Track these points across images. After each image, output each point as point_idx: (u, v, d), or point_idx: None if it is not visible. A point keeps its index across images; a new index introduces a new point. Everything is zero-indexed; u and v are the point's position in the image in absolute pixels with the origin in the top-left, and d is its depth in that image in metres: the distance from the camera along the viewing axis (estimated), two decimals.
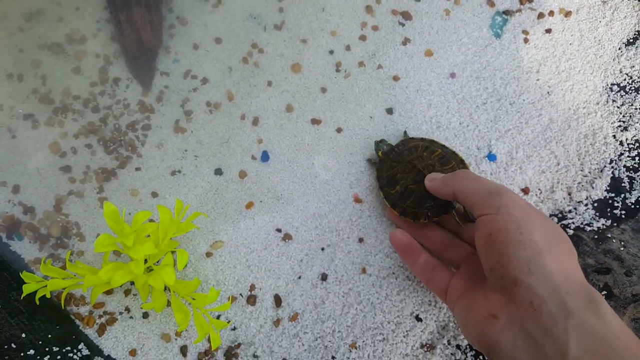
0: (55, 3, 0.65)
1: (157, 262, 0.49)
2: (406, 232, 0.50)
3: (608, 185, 0.59)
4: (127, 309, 0.53)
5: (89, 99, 0.62)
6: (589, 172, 0.60)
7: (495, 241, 0.39)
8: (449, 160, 0.54)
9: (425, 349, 0.51)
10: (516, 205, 0.41)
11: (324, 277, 0.55)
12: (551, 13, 0.69)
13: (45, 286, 0.45)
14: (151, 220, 0.53)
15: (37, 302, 0.46)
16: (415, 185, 0.52)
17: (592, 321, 0.33)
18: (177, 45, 0.65)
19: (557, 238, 0.40)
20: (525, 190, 0.60)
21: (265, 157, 0.62)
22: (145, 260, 0.46)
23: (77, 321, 0.53)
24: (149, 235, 0.45)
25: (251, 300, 0.53)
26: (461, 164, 0.55)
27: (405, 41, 0.66)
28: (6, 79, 0.62)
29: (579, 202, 0.59)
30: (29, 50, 0.63)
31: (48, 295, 0.46)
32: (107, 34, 0.64)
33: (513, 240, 0.38)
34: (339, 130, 0.63)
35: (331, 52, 0.65)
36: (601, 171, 0.60)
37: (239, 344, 0.52)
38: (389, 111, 0.64)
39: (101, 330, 0.51)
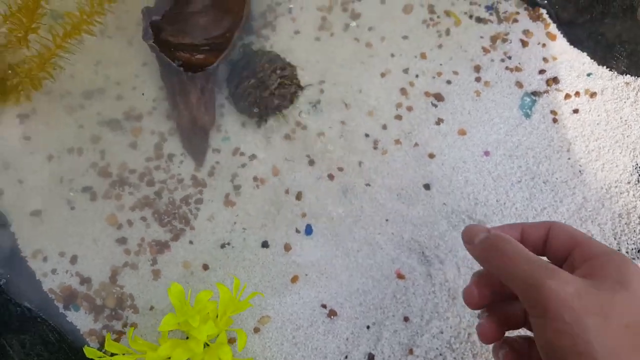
0: (114, 82, 0.69)
1: (212, 339, 0.50)
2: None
3: None
4: None
5: (145, 173, 0.65)
6: (627, 252, 0.60)
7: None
8: None
9: None
10: (566, 307, 0.30)
11: (370, 358, 0.55)
12: (577, 94, 0.72)
13: None
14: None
15: None
16: None
17: None
18: (227, 123, 0.68)
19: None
20: None
21: (309, 230, 0.63)
22: None
23: None
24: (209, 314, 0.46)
25: None
26: None
27: (439, 121, 0.69)
28: (67, 153, 0.66)
29: None
30: (89, 126, 0.67)
31: None
32: (162, 112, 0.67)
33: None
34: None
35: (367, 135, 0.68)
36: (639, 251, 0.60)
37: None
38: (426, 187, 0.66)
39: None
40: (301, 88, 0.68)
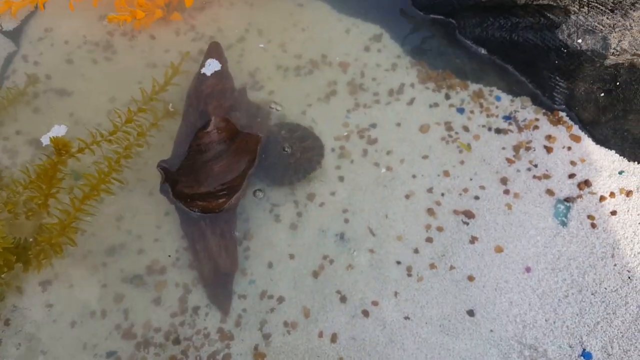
0: (135, 236, 0.75)
1: None
2: None
3: None
4: None
5: (170, 330, 0.69)
6: None
7: None
8: None
9: None
10: None
11: None
12: (612, 194, 0.77)
13: None
14: None
15: None
16: None
17: None
18: (252, 266, 0.73)
19: None
20: None
21: None
22: None
23: None
24: None
25: None
26: None
27: (473, 239, 0.74)
28: (90, 316, 0.71)
29: None
30: (112, 285, 0.74)
31: None
32: (186, 262, 0.74)
33: None
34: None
35: (399, 262, 0.72)
36: None
37: None
38: (470, 313, 0.69)
39: None
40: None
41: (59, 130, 0.75)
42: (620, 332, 0.69)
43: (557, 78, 0.85)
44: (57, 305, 0.75)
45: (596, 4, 0.78)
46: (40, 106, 0.85)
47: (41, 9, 0.84)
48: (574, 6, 0.80)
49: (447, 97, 0.88)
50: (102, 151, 0.73)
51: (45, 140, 0.77)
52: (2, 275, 0.72)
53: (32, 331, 0.73)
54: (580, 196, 0.80)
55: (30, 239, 0.73)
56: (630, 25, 0.77)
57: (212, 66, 0.80)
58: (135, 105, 0.75)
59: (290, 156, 0.81)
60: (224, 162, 0.76)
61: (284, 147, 0.81)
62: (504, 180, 0.81)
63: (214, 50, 0.83)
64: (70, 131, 0.79)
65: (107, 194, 0.73)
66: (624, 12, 0.77)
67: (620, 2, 0.77)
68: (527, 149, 0.84)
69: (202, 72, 0.79)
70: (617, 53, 0.79)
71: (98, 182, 0.72)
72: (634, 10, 0.76)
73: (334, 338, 0.72)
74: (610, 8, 0.78)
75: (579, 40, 0.81)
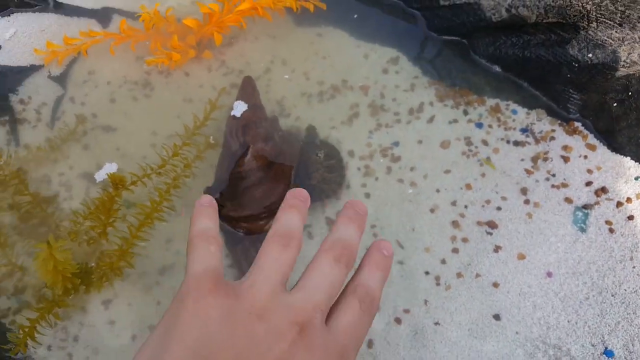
0: (183, 256, 0.82)
1: None
2: None
3: None
4: None
5: None
6: None
7: None
8: None
9: None
10: None
11: None
12: (629, 200, 0.81)
13: None
14: None
15: None
16: None
17: None
18: (290, 278, 0.79)
19: None
20: None
21: None
22: None
23: None
24: None
25: None
26: None
27: (497, 248, 0.79)
28: (148, 330, 0.79)
29: None
30: (165, 301, 0.82)
31: None
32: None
33: None
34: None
35: (427, 272, 0.78)
36: None
37: None
38: (496, 317, 0.74)
39: None
40: None
41: (110, 168, 0.83)
42: None
43: (571, 90, 0.90)
44: (118, 321, 0.82)
45: (604, 19, 0.83)
46: (89, 143, 0.93)
47: (84, 55, 0.92)
48: (583, 22, 0.84)
49: (466, 112, 0.94)
50: (152, 182, 0.81)
51: (98, 176, 0.86)
52: (70, 297, 0.80)
53: (98, 345, 0.81)
54: (597, 203, 0.85)
55: (92, 264, 0.82)
56: (638, 37, 0.82)
57: (240, 107, 0.88)
58: (179, 140, 0.83)
59: (319, 176, 0.88)
60: (263, 187, 0.83)
61: (316, 168, 0.88)
62: (524, 191, 0.86)
63: (248, 84, 0.91)
64: (119, 165, 0.86)
65: (160, 221, 0.81)
66: (632, 25, 0.82)
67: (628, 16, 0.81)
68: (545, 159, 0.89)
69: (232, 114, 0.87)
70: (628, 65, 0.83)
71: (151, 211, 0.79)
72: None
73: (370, 344, 0.77)
74: (618, 22, 0.82)
75: (590, 55, 0.85)
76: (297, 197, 0.51)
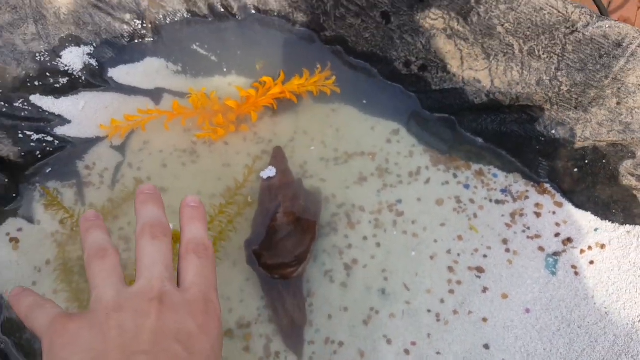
0: (225, 299, 1.00)
1: None
2: None
3: None
4: None
5: None
6: None
7: None
8: None
9: None
10: None
11: None
12: (590, 248, 1.01)
13: None
14: None
15: None
16: None
17: None
18: (316, 318, 0.97)
19: None
20: None
21: None
22: None
23: None
24: None
25: None
26: None
27: (485, 289, 0.97)
28: None
29: None
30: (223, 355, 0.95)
31: None
32: (266, 317, 0.97)
33: None
34: None
35: (429, 310, 0.95)
36: None
37: None
38: (486, 347, 0.92)
39: None
40: None
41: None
42: (602, 356, 0.91)
43: (540, 158, 1.11)
44: None
45: (563, 103, 1.04)
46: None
47: (143, 130, 1.10)
48: (546, 105, 1.06)
49: (455, 176, 1.14)
50: None
51: None
52: None
53: None
54: (565, 251, 1.04)
55: None
56: (590, 119, 1.03)
57: (268, 171, 1.07)
58: (221, 198, 1.01)
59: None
60: (294, 239, 1.00)
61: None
62: (505, 241, 1.06)
63: (278, 153, 1.10)
64: (170, 220, 1.04)
65: None
66: (584, 108, 1.03)
67: (581, 102, 1.03)
68: (521, 215, 1.08)
69: (265, 177, 1.06)
70: (583, 139, 1.04)
71: None
72: (592, 107, 1.02)
73: None
74: (574, 106, 1.04)
75: (553, 131, 1.07)
76: (144, 192, 0.56)
